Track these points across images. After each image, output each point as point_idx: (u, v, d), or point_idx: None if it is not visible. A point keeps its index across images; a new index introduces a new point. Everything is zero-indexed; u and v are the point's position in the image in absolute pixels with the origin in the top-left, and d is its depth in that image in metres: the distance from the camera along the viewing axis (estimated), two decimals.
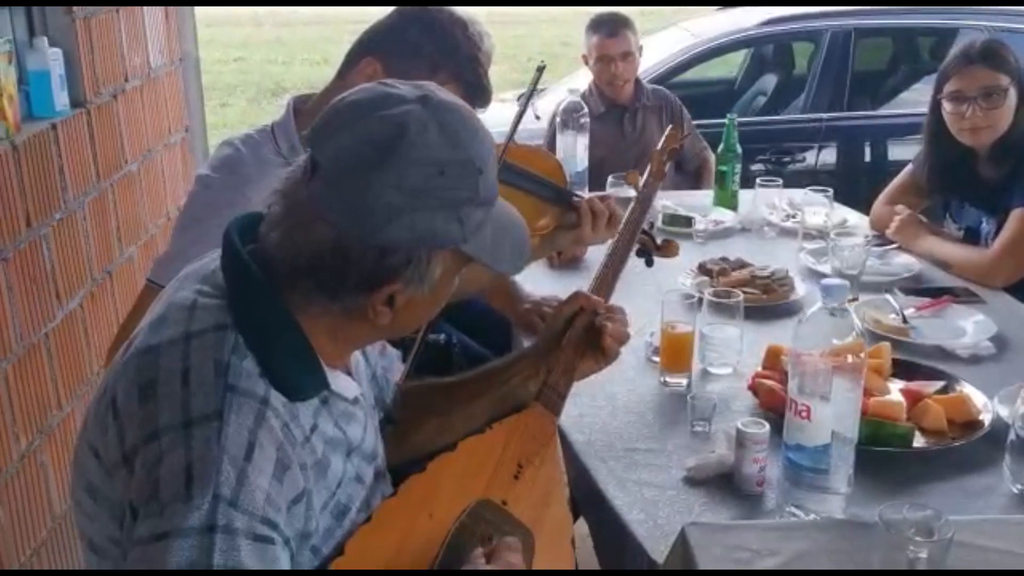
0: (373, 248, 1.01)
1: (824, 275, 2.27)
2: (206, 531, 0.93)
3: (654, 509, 1.46)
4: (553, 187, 1.97)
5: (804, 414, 1.35)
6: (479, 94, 1.68)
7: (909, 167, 2.66)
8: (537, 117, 4.01)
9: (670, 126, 1.75)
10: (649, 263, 1.96)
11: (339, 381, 1.13)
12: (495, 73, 2.74)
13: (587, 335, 1.39)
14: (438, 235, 1.03)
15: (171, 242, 1.75)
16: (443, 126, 1.03)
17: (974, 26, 4.77)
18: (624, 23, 3.45)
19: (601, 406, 1.76)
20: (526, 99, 2.07)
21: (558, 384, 1.32)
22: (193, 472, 0.95)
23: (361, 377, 1.24)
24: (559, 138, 3.01)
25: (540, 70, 2.07)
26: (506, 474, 1.24)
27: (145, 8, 2.87)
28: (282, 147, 1.70)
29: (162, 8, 3.03)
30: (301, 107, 1.75)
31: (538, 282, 2.26)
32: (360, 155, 1.01)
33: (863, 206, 2.87)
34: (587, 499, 1.54)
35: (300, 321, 1.07)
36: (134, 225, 2.73)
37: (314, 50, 12.67)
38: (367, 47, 1.69)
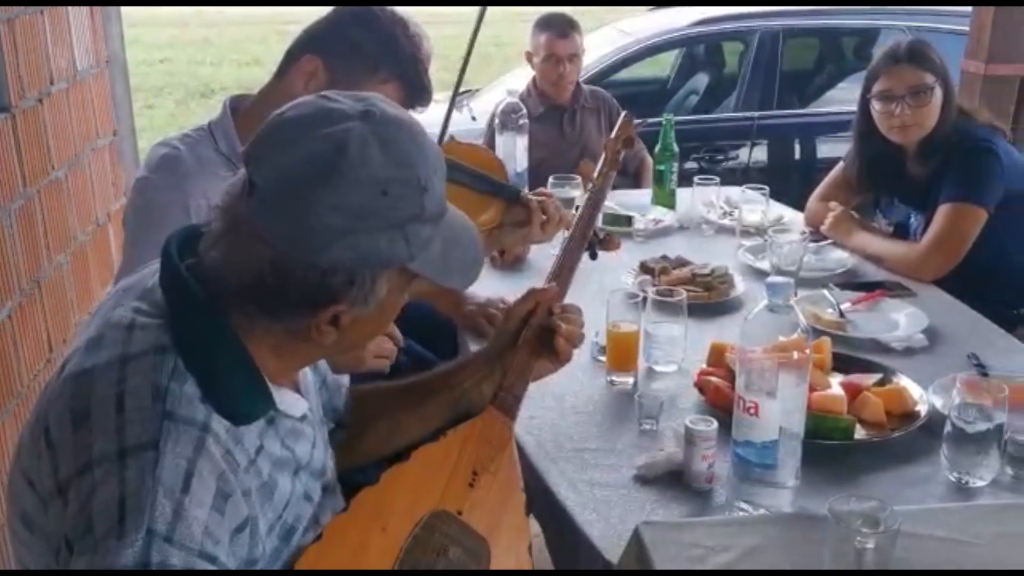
0: (315, 269, 0.99)
1: (763, 272, 2.32)
2: (140, 568, 0.89)
3: (606, 509, 1.47)
4: (494, 182, 1.97)
5: (752, 411, 1.37)
6: (420, 93, 1.67)
7: (841, 164, 2.73)
8: (473, 118, 4.01)
9: (623, 113, 1.75)
10: (593, 256, 1.97)
11: (286, 399, 1.11)
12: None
13: (542, 335, 1.38)
14: (383, 255, 1.01)
15: (124, 255, 1.71)
16: (385, 143, 1.00)
17: (896, 26, 4.92)
18: (572, 25, 3.47)
19: (550, 407, 1.77)
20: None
21: (513, 386, 1.31)
22: (127, 506, 0.91)
23: (309, 391, 1.21)
24: (498, 139, 3.01)
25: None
26: (461, 482, 1.23)
27: (71, 9, 2.78)
28: (221, 145, 1.67)
29: (87, 9, 2.94)
30: (238, 107, 1.72)
31: (482, 283, 2.21)
32: (299, 175, 0.98)
33: (795, 202, 2.93)
34: (539, 501, 1.54)
35: (243, 340, 1.04)
36: (62, 233, 2.65)
37: (243, 51, 12.47)
38: (308, 45, 1.67)
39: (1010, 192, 2.40)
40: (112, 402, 0.97)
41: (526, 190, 2.80)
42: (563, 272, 1.38)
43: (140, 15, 11.91)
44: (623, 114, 1.72)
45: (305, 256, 0.98)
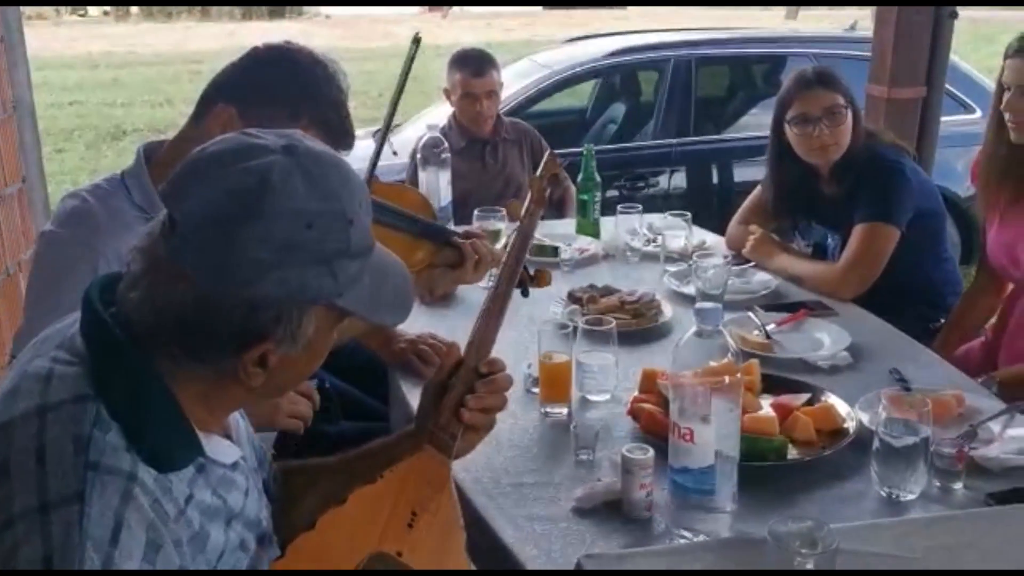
0: (240, 306, 0.96)
1: (689, 297, 2.35)
2: None
3: (547, 543, 1.45)
4: (423, 222, 1.96)
5: (687, 437, 1.37)
6: (343, 137, 1.63)
7: (758, 188, 2.79)
8: (395, 153, 3.99)
9: (548, 152, 1.75)
10: (525, 294, 1.96)
11: (216, 446, 1.07)
12: None
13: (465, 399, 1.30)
14: (310, 290, 0.99)
15: (25, 315, 1.62)
16: (309, 176, 0.99)
17: (801, 53, 5.10)
18: (489, 61, 3.48)
19: (485, 441, 1.71)
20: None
21: (449, 425, 1.29)
22: (54, 563, 0.88)
23: (241, 439, 1.18)
24: (421, 174, 3.00)
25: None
26: (400, 523, 1.20)
27: None
28: (135, 196, 1.61)
29: None
30: (152, 155, 1.66)
31: (411, 319, 2.21)
32: (222, 209, 0.96)
33: (717, 227, 2.99)
34: (479, 538, 1.52)
35: (169, 385, 1.01)
36: None
37: (155, 91, 12.26)
38: (221, 93, 1.61)
39: (920, 210, 2.48)
40: (32, 455, 0.93)
41: (451, 224, 2.82)
42: (493, 312, 1.36)
43: (49, 58, 11.64)
44: (547, 152, 1.73)
45: (230, 292, 0.96)
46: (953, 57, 4.15)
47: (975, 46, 10.93)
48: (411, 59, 2.00)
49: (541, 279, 1.94)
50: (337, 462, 1.36)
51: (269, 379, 1.03)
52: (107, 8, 23.90)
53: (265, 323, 0.98)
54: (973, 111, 4.76)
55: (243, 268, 0.95)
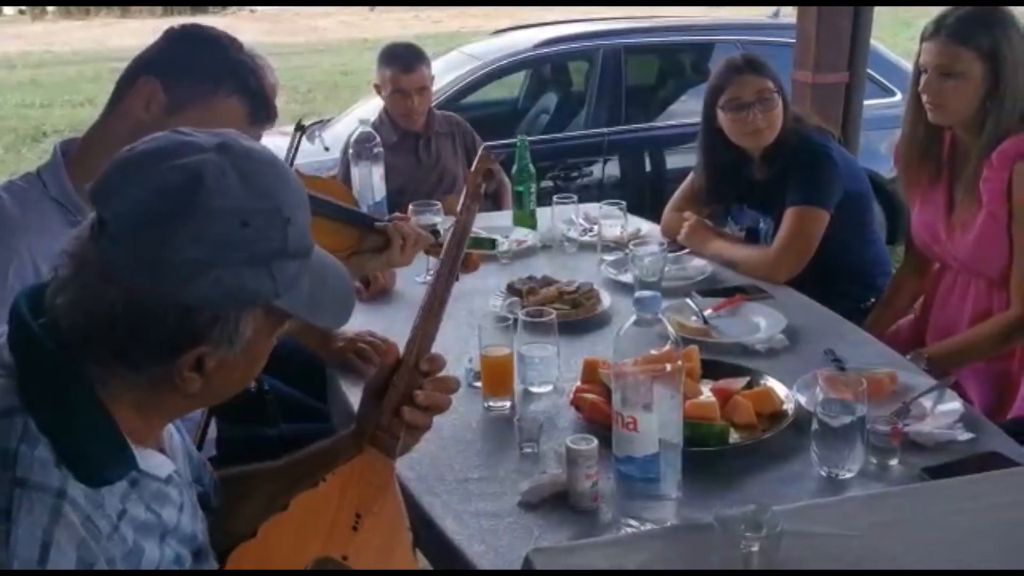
0: (174, 308, 0.94)
1: (627, 285, 2.36)
2: None
3: (494, 539, 1.44)
4: (347, 209, 1.93)
5: (631, 426, 1.38)
6: (264, 106, 1.63)
7: (691, 175, 2.81)
8: (326, 149, 3.94)
9: (482, 147, 1.75)
10: (455, 278, 1.95)
11: (150, 459, 1.04)
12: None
13: (407, 398, 1.28)
14: (247, 291, 0.97)
15: None
16: (244, 174, 0.97)
17: (728, 40, 5.16)
18: (419, 57, 3.45)
19: (428, 438, 1.69)
20: (288, 159, 2.03)
21: (390, 425, 1.27)
22: None
23: (176, 452, 1.15)
24: (353, 170, 2.96)
25: (299, 128, 2.05)
26: (344, 527, 1.18)
27: None
28: (52, 190, 1.57)
29: None
30: (69, 149, 1.62)
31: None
32: (153, 208, 0.93)
33: (650, 214, 3.01)
34: (426, 536, 1.50)
35: (101, 396, 0.97)
36: None
37: (75, 90, 11.92)
38: (143, 68, 1.59)
39: (847, 192, 2.53)
40: None
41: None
42: (432, 308, 1.34)
43: None
44: (481, 147, 1.72)
45: (164, 293, 0.93)
46: (873, 42, 4.24)
47: (894, 30, 11.21)
48: (295, 147, 2.01)
49: (469, 263, 1.92)
50: (277, 466, 1.33)
51: (206, 384, 1.01)
52: (23, 7, 23.12)
53: (201, 326, 0.96)
54: (894, 94, 4.88)
55: (176, 269, 0.93)
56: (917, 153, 2.30)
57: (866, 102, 4.15)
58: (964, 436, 1.64)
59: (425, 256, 2.22)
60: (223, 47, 1.61)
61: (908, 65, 4.74)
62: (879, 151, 4.33)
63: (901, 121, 2.37)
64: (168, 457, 1.10)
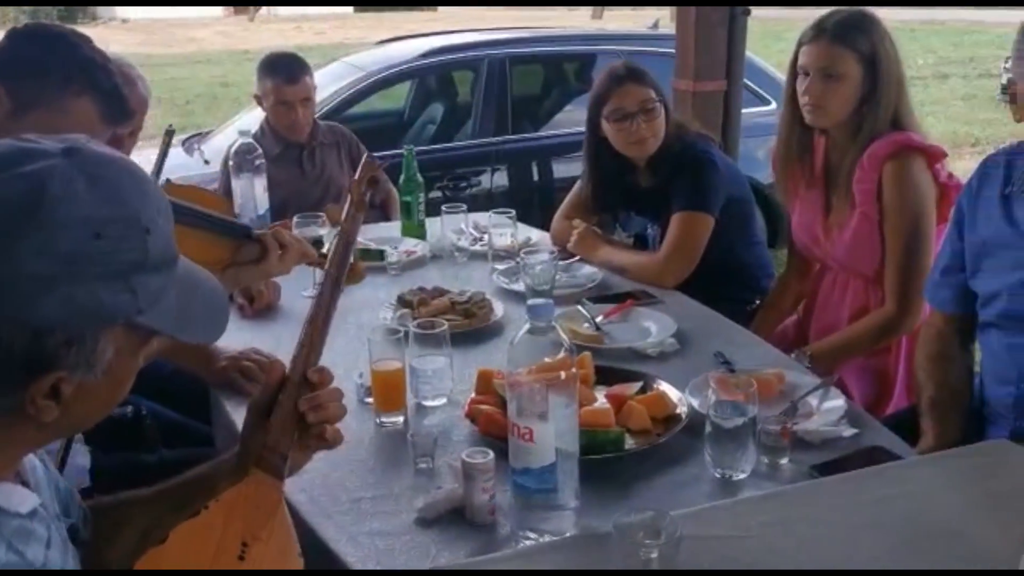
0: (23, 329, 0.86)
1: (519, 294, 2.35)
2: None
3: (390, 559, 1.40)
4: (221, 220, 1.85)
5: (527, 437, 1.35)
6: (118, 103, 1.56)
7: (578, 184, 2.83)
8: (206, 162, 3.81)
9: (365, 154, 1.70)
10: (341, 290, 1.89)
11: (9, 495, 0.96)
12: (150, 116, 2.55)
13: (296, 415, 1.22)
14: (104, 308, 0.90)
15: None
16: (94, 180, 0.90)
17: (610, 50, 5.24)
18: (302, 67, 3.37)
19: (319, 457, 1.62)
20: (157, 166, 1.96)
21: (278, 444, 1.20)
22: None
23: (40, 484, 1.06)
24: (235, 182, 2.86)
25: (168, 134, 1.98)
26: (230, 557, 1.11)
27: None
28: None
29: None
30: None
31: (232, 334, 2.07)
32: None
33: (541, 223, 3.02)
34: (318, 562, 1.44)
35: None
36: None
37: None
38: None
39: (730, 197, 2.59)
40: None
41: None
42: (318, 321, 1.28)
43: None
44: (365, 155, 1.68)
45: (9, 314, 0.85)
46: (748, 53, 4.38)
47: (765, 43, 11.63)
48: (164, 153, 1.93)
49: (354, 272, 1.85)
50: (153, 493, 1.25)
51: (65, 412, 0.93)
52: None
53: (54, 348, 0.88)
54: (769, 103, 5.04)
55: (21, 286, 0.85)
56: (793, 157, 2.37)
57: (743, 110, 4.28)
58: (848, 432, 1.68)
59: (311, 270, 2.16)
60: (71, 44, 1.54)
61: (781, 76, 4.92)
62: (757, 157, 4.46)
63: (776, 128, 2.44)
64: (32, 490, 1.01)
